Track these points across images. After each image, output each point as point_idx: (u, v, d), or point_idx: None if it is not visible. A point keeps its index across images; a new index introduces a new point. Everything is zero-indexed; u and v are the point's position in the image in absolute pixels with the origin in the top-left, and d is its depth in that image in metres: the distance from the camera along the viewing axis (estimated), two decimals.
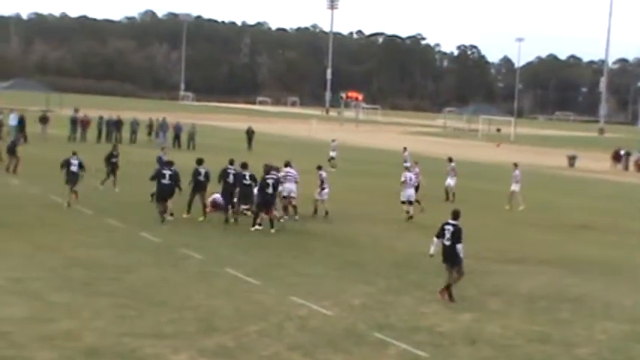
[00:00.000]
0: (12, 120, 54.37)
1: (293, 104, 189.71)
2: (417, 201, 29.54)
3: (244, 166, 25.24)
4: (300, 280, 18.08)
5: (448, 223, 17.12)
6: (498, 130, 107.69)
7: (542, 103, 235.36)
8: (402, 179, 28.77)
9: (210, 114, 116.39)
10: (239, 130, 66.44)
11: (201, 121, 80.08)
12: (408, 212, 28.37)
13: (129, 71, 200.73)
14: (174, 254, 19.87)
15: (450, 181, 34.52)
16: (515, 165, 34.77)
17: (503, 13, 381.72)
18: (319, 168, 28.40)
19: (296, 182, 26.43)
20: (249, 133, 58.21)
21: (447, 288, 16.98)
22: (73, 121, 54.70)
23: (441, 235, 17.12)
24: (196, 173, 25.26)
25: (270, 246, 21.94)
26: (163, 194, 24.37)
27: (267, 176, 24.46)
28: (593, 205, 38.16)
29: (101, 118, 55.63)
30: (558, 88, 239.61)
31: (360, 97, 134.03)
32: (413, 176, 29.21)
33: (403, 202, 28.62)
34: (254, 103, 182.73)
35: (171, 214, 24.51)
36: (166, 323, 14.06)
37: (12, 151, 34.74)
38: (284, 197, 26.18)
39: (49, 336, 13.03)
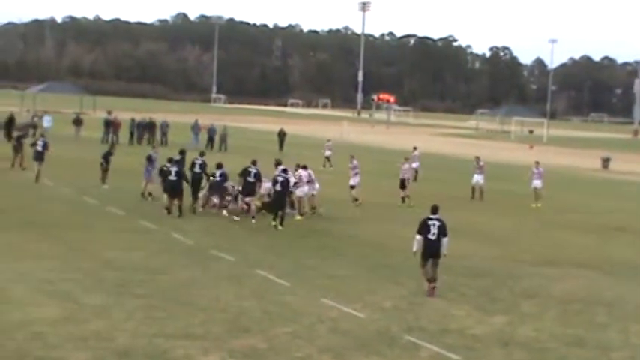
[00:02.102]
0: (46, 122, 55.12)
1: (324, 106, 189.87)
2: (403, 197, 31.47)
3: (219, 166, 26.54)
4: (331, 281, 18.03)
5: (431, 219, 17.24)
6: (530, 131, 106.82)
7: (575, 105, 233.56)
8: (354, 171, 31.18)
9: (242, 116, 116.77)
10: (270, 132, 66.53)
11: (233, 123, 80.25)
12: (355, 198, 30.79)
13: (161, 73, 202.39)
14: (206, 256, 19.91)
15: (478, 178, 34.55)
16: (537, 163, 35.08)
17: (535, 14, 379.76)
18: (300, 167, 28.02)
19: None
20: (281, 135, 58.31)
21: (431, 282, 17.03)
22: (107, 124, 54.92)
23: (423, 231, 17.15)
24: (246, 174, 25.60)
25: (300, 248, 21.93)
26: (171, 191, 25.46)
27: (277, 174, 25.12)
28: (628, 207, 37.70)
29: (133, 120, 55.91)
30: (592, 89, 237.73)
31: (392, 99, 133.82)
32: (358, 164, 31.45)
33: (352, 187, 31.10)
34: (285, 105, 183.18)
35: (180, 213, 25.18)
36: (197, 324, 14.08)
37: (19, 147, 35.43)
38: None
39: (81, 336, 13.10)
